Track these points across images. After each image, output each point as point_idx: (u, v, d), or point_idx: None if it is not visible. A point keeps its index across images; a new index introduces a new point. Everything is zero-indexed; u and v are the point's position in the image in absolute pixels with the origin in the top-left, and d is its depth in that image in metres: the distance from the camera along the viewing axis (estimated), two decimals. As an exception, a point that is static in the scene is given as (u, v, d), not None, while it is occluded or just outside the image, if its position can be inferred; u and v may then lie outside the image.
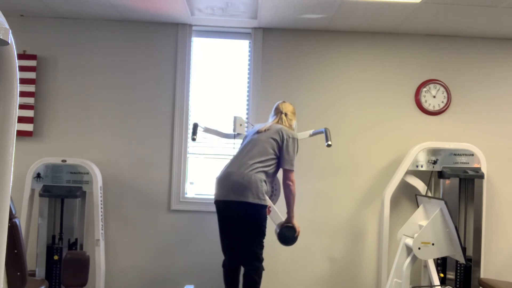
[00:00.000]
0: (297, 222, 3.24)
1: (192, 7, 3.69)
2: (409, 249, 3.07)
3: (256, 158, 3.09)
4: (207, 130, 3.61)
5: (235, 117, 3.58)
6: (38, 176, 3.65)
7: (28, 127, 3.91)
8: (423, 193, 3.81)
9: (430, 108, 4.05)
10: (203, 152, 4.13)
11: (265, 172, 3.08)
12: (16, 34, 3.70)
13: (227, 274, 3.22)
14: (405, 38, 4.09)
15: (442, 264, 3.74)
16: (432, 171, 3.84)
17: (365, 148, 4.04)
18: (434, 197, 3.17)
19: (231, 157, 3.30)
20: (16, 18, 3.96)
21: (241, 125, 3.59)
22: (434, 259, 3.68)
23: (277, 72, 4.05)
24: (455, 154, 3.77)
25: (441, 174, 3.77)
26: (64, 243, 3.72)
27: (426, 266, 3.71)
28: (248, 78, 4.10)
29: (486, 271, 3.83)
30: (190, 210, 3.99)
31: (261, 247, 3.10)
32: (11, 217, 2.29)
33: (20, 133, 3.87)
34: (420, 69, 4.07)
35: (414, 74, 4.07)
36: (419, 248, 2.95)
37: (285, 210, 3.21)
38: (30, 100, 3.91)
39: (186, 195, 4.05)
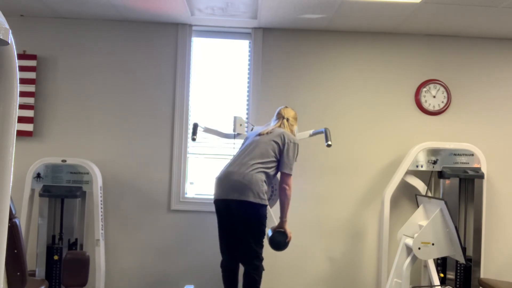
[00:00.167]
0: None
1: (192, 7, 3.69)
2: (409, 249, 3.07)
3: (257, 159, 3.10)
4: (207, 130, 3.61)
5: (235, 117, 3.58)
6: (38, 176, 3.65)
7: (28, 127, 3.91)
8: (423, 193, 3.81)
9: (430, 108, 4.05)
10: (203, 152, 4.13)
11: (266, 173, 3.09)
12: (16, 34, 3.70)
13: (225, 274, 3.22)
14: (405, 38, 4.09)
15: (442, 264, 3.74)
16: (432, 171, 3.84)
17: (365, 148, 4.04)
18: (434, 197, 3.17)
19: (231, 157, 3.31)
20: (16, 18, 3.96)
21: (241, 125, 3.59)
22: (434, 259, 3.68)
23: (277, 72, 4.05)
24: (455, 154, 3.77)
25: (441, 174, 3.77)
26: (64, 243, 3.71)
27: (426, 266, 3.71)
28: (248, 78, 4.10)
29: (486, 271, 3.83)
30: (190, 210, 3.99)
31: (261, 246, 3.10)
32: (11, 217, 2.29)
33: (20, 133, 3.87)
34: (420, 69, 4.07)
35: (414, 74, 4.07)
36: (419, 248, 2.95)
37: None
38: (30, 100, 3.91)
39: (186, 195, 4.05)
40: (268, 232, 3.24)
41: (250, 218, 3.04)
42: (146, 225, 3.97)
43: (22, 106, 3.88)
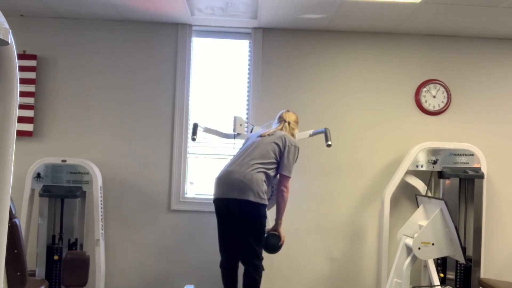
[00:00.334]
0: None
1: (192, 7, 3.69)
2: (409, 249, 3.07)
3: (258, 159, 3.10)
4: (207, 130, 3.61)
5: (235, 117, 3.58)
6: (38, 176, 3.65)
7: (28, 127, 3.91)
8: (423, 193, 3.81)
9: (430, 108, 4.05)
10: (203, 152, 4.13)
11: (266, 173, 3.09)
12: (16, 34, 3.71)
13: (225, 274, 3.22)
14: (405, 38, 4.09)
15: (442, 264, 3.74)
16: (432, 171, 3.84)
17: (365, 148, 4.04)
18: (434, 197, 3.17)
19: (231, 157, 3.31)
20: (16, 18, 3.96)
21: (241, 125, 3.59)
22: (434, 259, 3.68)
23: (277, 72, 4.05)
24: (455, 154, 3.77)
25: (441, 174, 3.77)
26: (64, 243, 3.71)
27: (426, 266, 3.71)
28: (248, 78, 4.10)
29: (486, 271, 3.83)
30: (190, 210, 3.99)
31: (261, 246, 3.10)
32: (11, 217, 2.29)
33: (20, 133, 3.87)
34: (420, 69, 4.08)
35: (414, 74, 4.07)
36: (419, 248, 2.95)
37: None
38: (30, 100, 3.91)
39: (186, 195, 4.05)
40: None
41: (250, 217, 3.04)
42: (146, 225, 3.97)
43: (22, 106, 3.88)
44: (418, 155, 3.76)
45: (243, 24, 3.98)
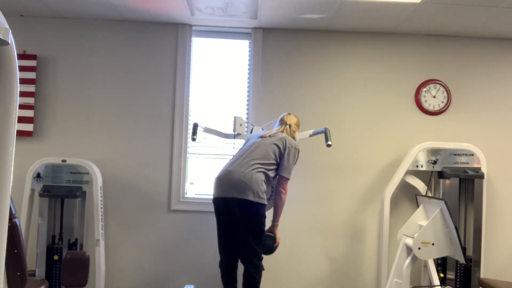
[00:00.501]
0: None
1: (192, 7, 3.69)
2: (409, 249, 3.07)
3: (258, 159, 3.11)
4: (207, 130, 3.61)
5: (235, 117, 3.59)
6: (38, 176, 3.65)
7: (28, 127, 3.91)
8: (423, 193, 3.81)
9: (430, 108, 4.05)
10: (203, 152, 4.13)
11: (265, 174, 3.10)
12: (16, 34, 3.71)
13: (224, 274, 3.22)
14: (405, 38, 4.08)
15: (442, 264, 3.74)
16: (432, 171, 3.84)
17: (365, 148, 4.04)
18: (434, 197, 3.17)
19: (231, 157, 3.31)
20: (16, 18, 3.96)
21: (241, 125, 3.59)
22: (434, 259, 3.68)
23: (277, 72, 4.05)
24: (455, 154, 3.77)
25: (441, 174, 3.76)
26: (64, 243, 3.71)
27: (426, 266, 3.71)
28: (248, 78, 4.10)
29: (486, 271, 3.83)
30: (190, 210, 3.99)
31: (261, 245, 3.10)
32: (11, 217, 2.29)
33: (20, 133, 3.87)
34: (420, 69, 4.08)
35: (414, 74, 4.07)
36: (419, 248, 2.95)
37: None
38: (30, 100, 3.91)
39: (186, 195, 4.05)
40: None
41: (249, 217, 3.04)
42: (146, 225, 3.97)
43: (22, 106, 3.88)
44: (418, 155, 3.76)
45: (243, 24, 3.98)
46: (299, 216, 3.97)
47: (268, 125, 3.72)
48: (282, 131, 3.35)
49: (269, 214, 3.27)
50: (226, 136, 3.68)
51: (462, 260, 2.94)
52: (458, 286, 3.71)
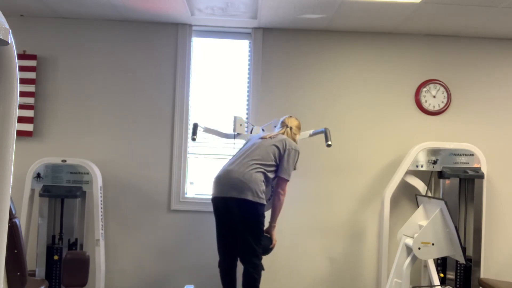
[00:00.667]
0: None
1: (192, 7, 3.69)
2: (409, 249, 3.07)
3: (257, 160, 3.12)
4: (207, 130, 3.61)
5: (235, 117, 3.59)
6: (38, 176, 3.65)
7: (28, 127, 3.91)
8: (423, 193, 3.81)
9: (430, 108, 4.05)
10: (203, 152, 4.13)
11: (264, 174, 3.10)
12: (16, 34, 3.71)
13: (224, 274, 3.22)
14: (405, 38, 4.09)
15: (442, 264, 3.74)
16: (432, 171, 3.84)
17: (365, 148, 4.04)
18: (434, 197, 3.17)
19: (230, 157, 3.31)
20: (16, 18, 3.96)
21: (241, 125, 3.60)
22: (434, 259, 3.68)
23: (277, 72, 4.05)
24: (455, 154, 3.77)
25: (441, 174, 3.76)
26: (64, 243, 3.71)
27: (426, 266, 3.71)
28: (248, 78, 4.10)
29: (486, 271, 3.83)
30: (190, 210, 3.99)
31: (261, 245, 3.10)
32: (11, 217, 2.29)
33: (20, 133, 3.87)
34: (420, 69, 4.08)
35: (414, 74, 4.07)
36: (419, 248, 2.95)
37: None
38: (30, 100, 3.91)
39: (186, 195, 4.05)
40: None
41: (248, 216, 3.05)
42: (146, 225, 3.97)
43: (22, 106, 3.88)
44: (418, 155, 3.76)
45: (243, 24, 3.98)
46: (299, 216, 3.97)
47: (268, 125, 3.72)
48: (283, 133, 3.35)
49: (267, 214, 3.27)
50: (226, 136, 3.68)
51: (462, 260, 2.94)
52: (458, 286, 3.71)
